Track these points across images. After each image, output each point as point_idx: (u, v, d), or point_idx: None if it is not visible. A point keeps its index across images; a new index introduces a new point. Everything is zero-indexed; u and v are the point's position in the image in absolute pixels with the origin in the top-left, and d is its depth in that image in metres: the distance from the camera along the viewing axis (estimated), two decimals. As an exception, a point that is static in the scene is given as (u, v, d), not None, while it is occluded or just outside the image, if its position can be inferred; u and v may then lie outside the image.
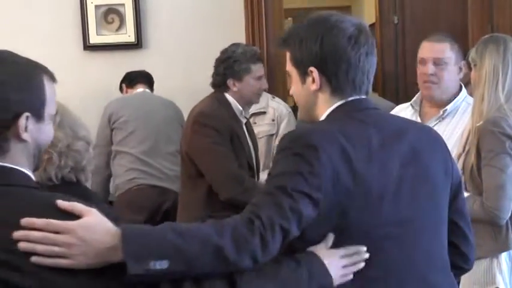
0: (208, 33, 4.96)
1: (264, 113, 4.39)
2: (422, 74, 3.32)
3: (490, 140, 2.81)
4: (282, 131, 4.43)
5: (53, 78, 1.63)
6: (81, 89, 4.83)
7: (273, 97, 4.51)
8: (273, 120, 4.45)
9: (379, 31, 5.40)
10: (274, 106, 4.34)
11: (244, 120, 3.59)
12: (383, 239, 1.78)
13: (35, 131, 1.59)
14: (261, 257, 1.63)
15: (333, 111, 1.87)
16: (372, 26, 7.84)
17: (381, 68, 5.22)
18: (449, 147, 2.08)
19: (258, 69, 3.52)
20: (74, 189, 2.14)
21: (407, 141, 1.85)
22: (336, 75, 1.84)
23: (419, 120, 3.33)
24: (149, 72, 4.73)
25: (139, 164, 4.41)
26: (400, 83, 4.98)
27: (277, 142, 4.42)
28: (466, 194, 2.45)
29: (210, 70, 4.74)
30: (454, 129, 3.29)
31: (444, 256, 1.92)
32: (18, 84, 1.56)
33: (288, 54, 1.92)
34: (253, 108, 4.01)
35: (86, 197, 1.84)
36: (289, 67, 1.92)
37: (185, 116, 4.52)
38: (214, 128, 3.38)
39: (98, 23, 4.99)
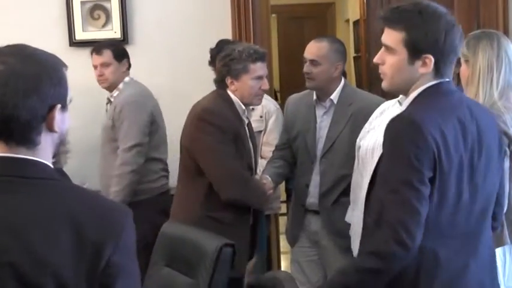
0: (195, 30, 4.93)
1: (252, 109, 4.36)
2: None
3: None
4: (270, 127, 4.41)
5: (66, 67, 1.67)
6: (66, 85, 4.77)
7: (261, 93, 4.47)
8: (261, 116, 4.41)
9: (366, 27, 5.40)
10: (262, 103, 4.30)
11: (246, 121, 3.51)
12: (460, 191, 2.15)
13: (61, 121, 1.62)
14: (407, 255, 2.06)
15: (426, 88, 2.22)
16: (356, 22, 7.88)
17: (368, 64, 5.22)
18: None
19: (258, 68, 3.40)
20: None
21: (475, 119, 2.22)
22: (445, 65, 2.22)
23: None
24: (135, 69, 4.67)
25: (166, 169, 4.45)
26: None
27: (265, 139, 4.40)
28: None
29: (196, 67, 4.74)
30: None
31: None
32: (51, 77, 1.59)
33: (395, 33, 2.20)
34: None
35: None
36: (397, 45, 2.21)
37: (167, 114, 4.52)
38: (219, 126, 3.30)
39: (84, 19, 4.95)
